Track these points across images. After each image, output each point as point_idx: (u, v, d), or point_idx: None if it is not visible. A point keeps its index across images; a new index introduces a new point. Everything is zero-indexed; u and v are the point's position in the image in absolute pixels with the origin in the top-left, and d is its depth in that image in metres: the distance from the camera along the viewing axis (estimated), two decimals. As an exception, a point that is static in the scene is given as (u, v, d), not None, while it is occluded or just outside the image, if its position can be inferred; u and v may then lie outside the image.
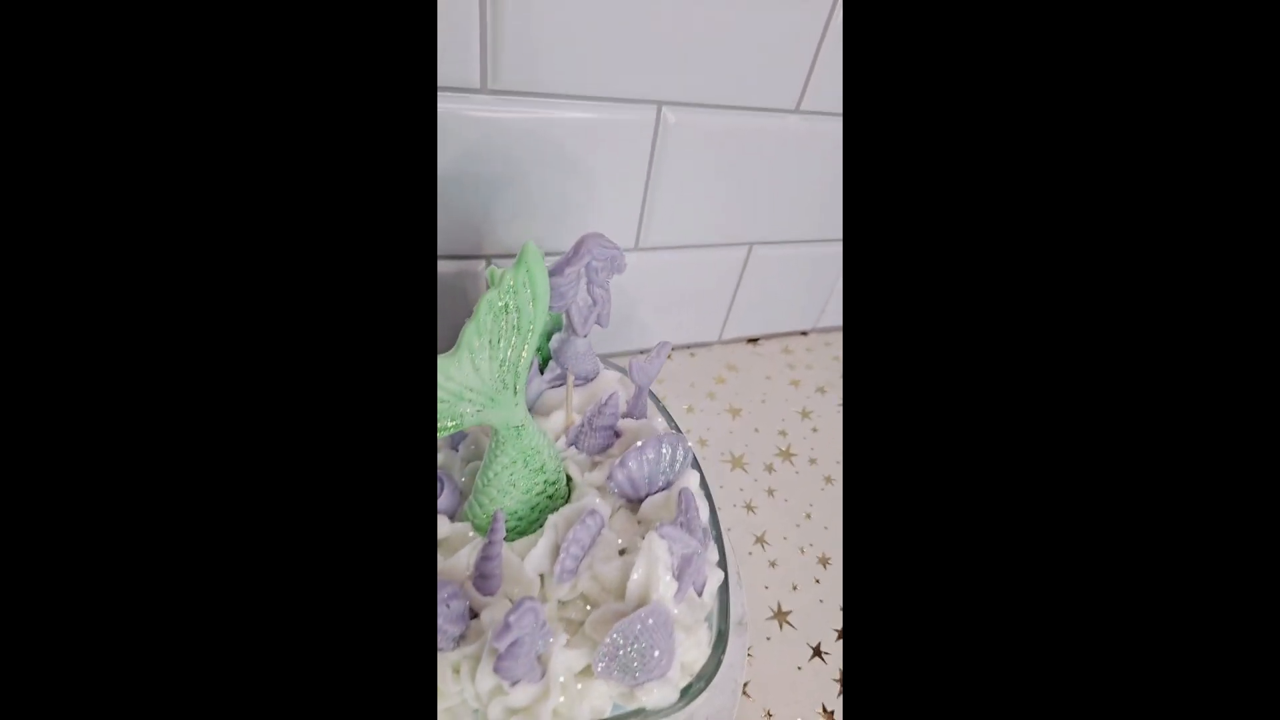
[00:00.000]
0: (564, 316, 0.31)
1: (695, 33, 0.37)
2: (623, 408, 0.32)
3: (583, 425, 0.29)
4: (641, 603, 0.23)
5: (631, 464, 0.27)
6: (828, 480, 0.47)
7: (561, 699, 0.22)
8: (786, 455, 0.48)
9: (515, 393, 0.24)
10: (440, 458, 0.30)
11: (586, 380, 0.32)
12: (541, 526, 0.26)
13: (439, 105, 0.34)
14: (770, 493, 0.45)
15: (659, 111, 0.40)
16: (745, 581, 0.39)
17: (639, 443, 0.27)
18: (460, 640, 0.22)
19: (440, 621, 0.21)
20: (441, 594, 0.21)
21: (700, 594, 0.26)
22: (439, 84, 0.33)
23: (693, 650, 0.24)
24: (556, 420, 0.30)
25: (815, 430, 0.51)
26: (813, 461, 0.48)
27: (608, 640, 0.21)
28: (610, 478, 0.27)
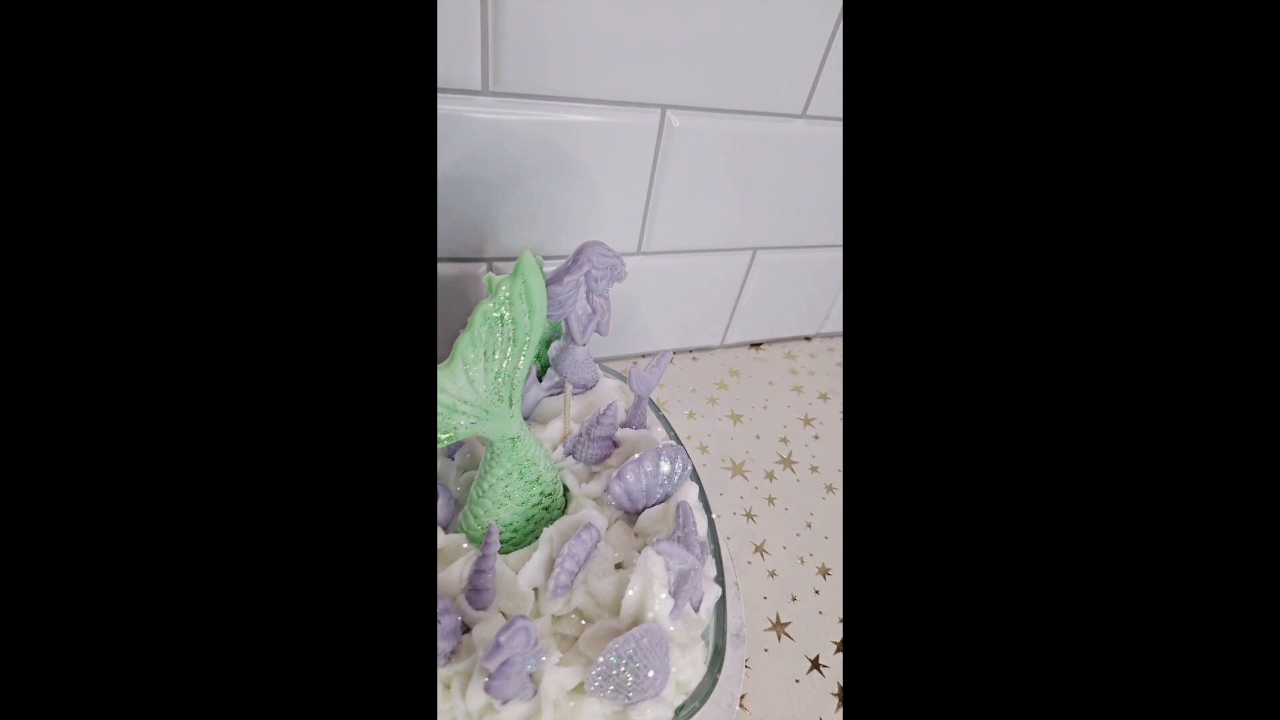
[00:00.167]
0: (563, 324, 0.30)
1: (700, 35, 0.36)
2: (621, 417, 0.32)
3: (580, 435, 0.29)
4: (636, 620, 0.23)
5: (629, 477, 0.26)
6: (829, 489, 0.46)
7: (554, 718, 0.21)
8: (788, 463, 0.48)
9: (511, 404, 0.23)
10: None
11: (585, 388, 0.32)
12: (537, 539, 0.25)
13: (439, 107, 0.33)
14: (770, 501, 0.45)
15: (663, 115, 0.39)
16: (744, 592, 0.39)
17: (637, 455, 0.27)
18: (451, 656, 0.22)
19: (431, 637, 0.21)
20: (433, 609, 0.21)
21: (697, 610, 0.26)
22: (439, 85, 0.33)
23: (688, 669, 0.24)
24: (554, 429, 0.30)
25: (817, 438, 0.51)
26: (814, 469, 0.48)
27: (601, 660, 0.21)
28: (607, 490, 0.27)
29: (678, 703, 0.23)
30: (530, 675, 0.21)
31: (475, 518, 0.25)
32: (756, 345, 0.59)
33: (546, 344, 0.32)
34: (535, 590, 0.25)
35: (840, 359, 0.60)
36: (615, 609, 0.24)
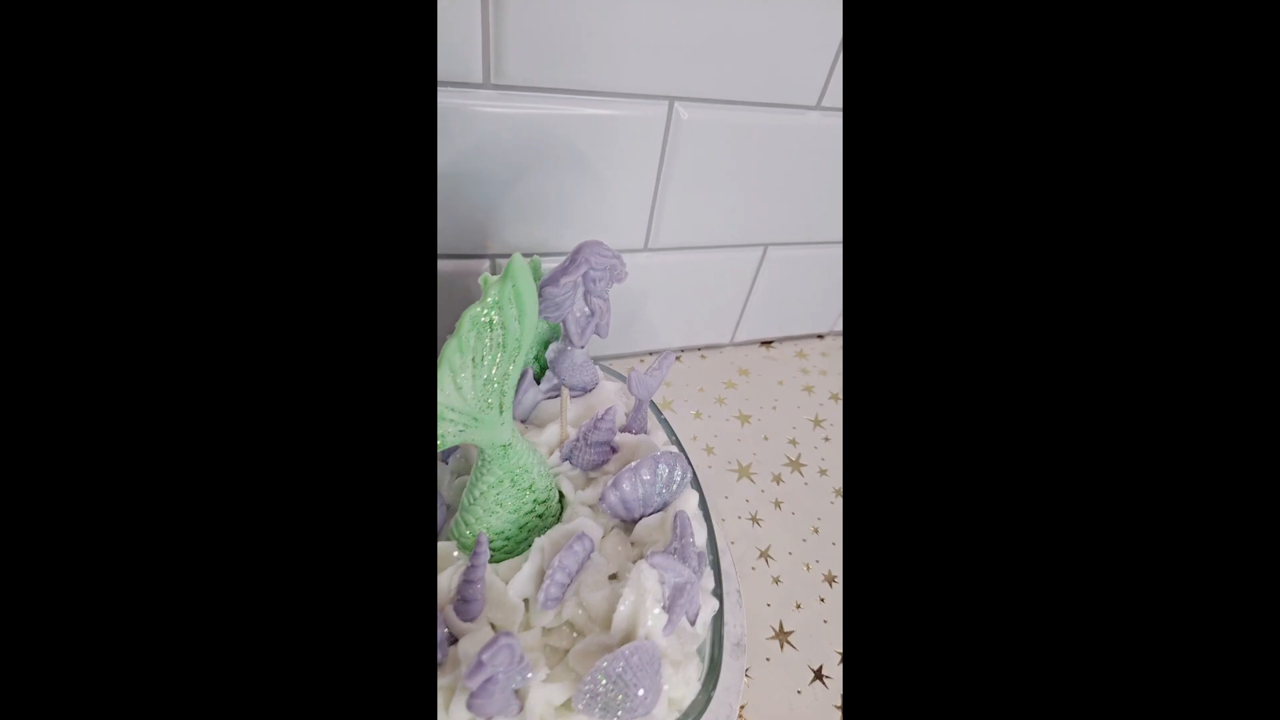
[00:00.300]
0: (561, 326, 0.29)
1: (709, 24, 0.35)
2: (621, 421, 0.31)
3: (578, 440, 0.28)
4: (628, 636, 0.22)
5: (625, 485, 0.26)
6: (838, 493, 0.45)
7: (540, 734, 0.21)
8: (796, 465, 0.47)
9: (501, 411, 0.22)
10: (431, 468, 0.29)
11: (584, 391, 0.31)
12: (530, 547, 0.25)
13: (439, 100, 0.33)
14: (777, 505, 0.44)
15: (671, 107, 0.38)
16: (746, 598, 0.38)
17: (634, 463, 0.26)
18: (437, 669, 0.22)
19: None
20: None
21: (693, 623, 0.25)
22: (439, 78, 0.32)
23: (681, 686, 0.23)
24: (551, 433, 0.29)
25: (827, 439, 0.49)
26: (823, 472, 0.47)
27: (589, 679, 0.20)
28: (603, 499, 0.26)
29: (670, 720, 0.22)
30: (516, 692, 0.21)
31: (466, 525, 0.25)
32: (767, 343, 0.58)
33: (545, 345, 0.31)
34: (526, 601, 0.24)
35: (853, 358, 0.58)
36: (607, 623, 0.23)
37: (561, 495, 0.28)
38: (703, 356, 0.55)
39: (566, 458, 0.29)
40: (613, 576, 0.25)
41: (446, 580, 0.24)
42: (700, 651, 0.25)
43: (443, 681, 0.21)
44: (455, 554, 0.25)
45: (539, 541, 0.24)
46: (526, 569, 0.24)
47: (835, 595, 0.39)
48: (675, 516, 0.26)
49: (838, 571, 0.40)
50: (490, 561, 0.25)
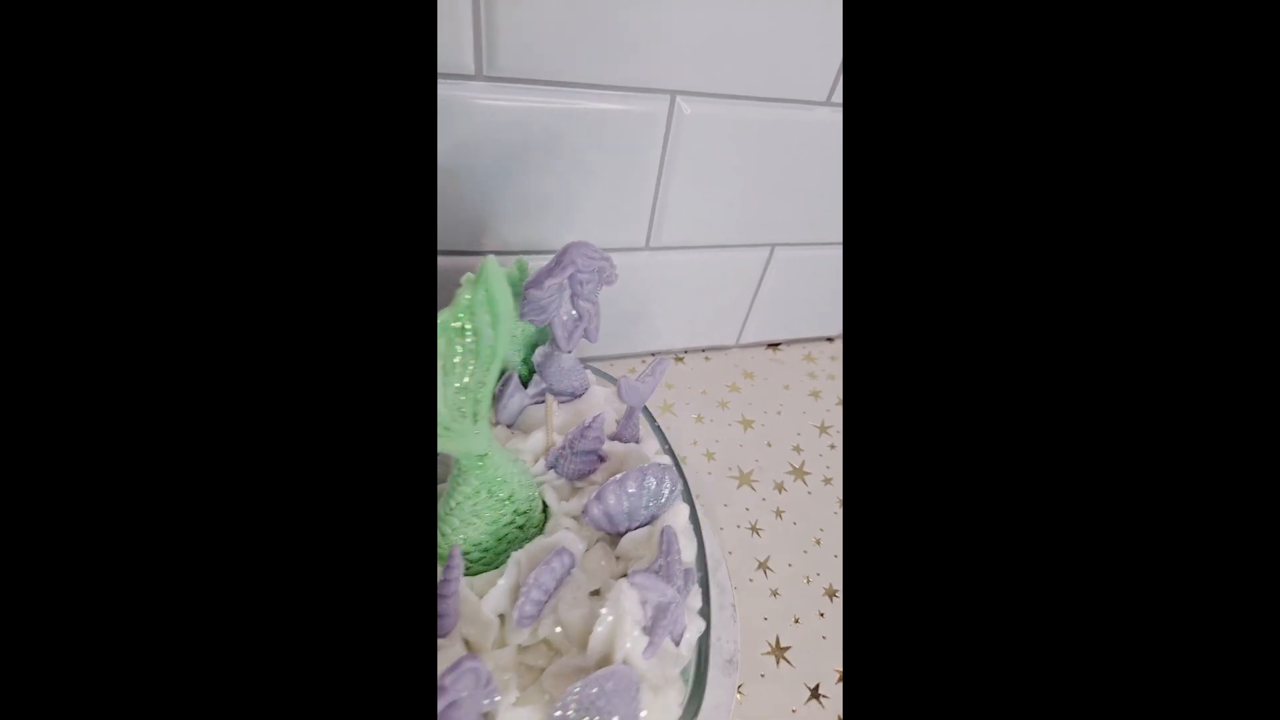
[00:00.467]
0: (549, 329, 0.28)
1: (713, 15, 0.33)
2: (611, 428, 0.30)
3: (563, 448, 0.27)
4: (604, 660, 0.21)
5: (610, 499, 0.25)
6: (843, 503, 0.44)
7: (509, 761, 0.20)
8: (799, 473, 0.45)
9: (476, 420, 0.21)
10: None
11: (573, 397, 0.30)
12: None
13: (431, 93, 0.32)
14: (779, 514, 0.42)
15: (673, 101, 0.36)
16: (743, 611, 0.37)
17: (619, 475, 0.25)
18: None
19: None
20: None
21: (678, 643, 0.24)
22: (430, 70, 0.31)
23: (660, 713, 0.22)
24: (536, 441, 0.28)
25: (833, 447, 0.48)
26: (827, 481, 0.45)
27: (559, 706, 0.19)
28: (585, 512, 0.25)
29: (648, 749, 0.21)
30: (483, 716, 0.20)
31: (442, 536, 0.24)
32: (775, 345, 0.56)
33: (532, 348, 0.30)
34: (501, 617, 0.23)
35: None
36: (585, 643, 0.22)
37: (546, 506, 0.27)
38: (706, 358, 0.53)
39: (552, 466, 0.28)
40: (595, 593, 0.24)
41: (419, 594, 0.23)
42: (684, 674, 0.24)
43: (408, 702, 0.20)
44: (431, 565, 0.24)
45: (516, 555, 0.23)
46: (502, 584, 0.23)
47: (836, 610, 0.38)
48: (662, 532, 0.25)
49: (839, 585, 0.39)
50: (466, 574, 0.24)
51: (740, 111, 0.38)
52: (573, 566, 0.23)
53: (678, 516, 0.27)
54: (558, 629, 0.22)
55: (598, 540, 0.26)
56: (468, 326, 0.19)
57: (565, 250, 0.25)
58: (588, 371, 0.31)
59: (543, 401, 0.30)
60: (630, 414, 0.29)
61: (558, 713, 0.19)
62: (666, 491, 0.26)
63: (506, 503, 0.24)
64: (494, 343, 0.20)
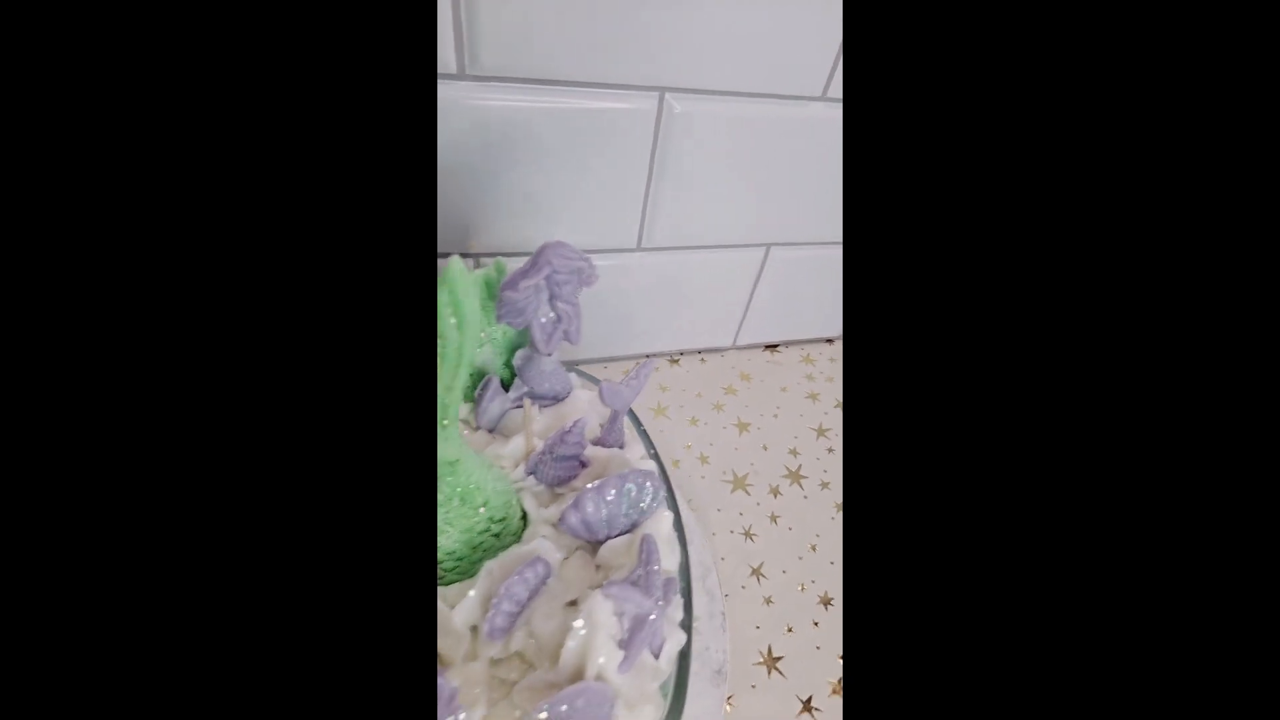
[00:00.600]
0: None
1: (702, 9, 0.33)
2: (595, 433, 0.29)
3: (543, 453, 0.26)
4: (576, 676, 0.20)
5: (588, 506, 0.24)
6: (839, 508, 0.43)
7: (477, 779, 0.19)
8: (795, 477, 0.44)
9: (445, 425, 0.21)
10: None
11: (555, 400, 0.29)
12: (483, 569, 0.23)
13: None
14: (774, 519, 0.41)
15: (661, 99, 0.36)
16: (735, 619, 0.36)
17: (597, 482, 0.24)
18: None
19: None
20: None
21: (657, 657, 0.23)
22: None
23: (635, 730, 0.21)
24: (516, 445, 0.27)
25: (831, 451, 0.47)
26: (824, 485, 0.44)
27: (525, 724, 0.19)
28: (562, 520, 0.24)
29: (622, 767, 0.21)
30: (449, 733, 0.19)
31: (415, 544, 0.23)
32: (772, 347, 0.55)
33: (512, 351, 0.29)
34: (474, 629, 0.22)
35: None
36: (558, 656, 0.21)
37: (525, 513, 0.26)
38: (702, 360, 0.53)
39: (531, 472, 0.27)
40: (573, 603, 0.23)
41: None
42: (664, 689, 0.23)
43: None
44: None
45: (488, 565, 0.23)
46: (473, 594, 0.22)
47: (830, 619, 0.37)
48: (642, 540, 0.24)
49: (835, 593, 0.38)
50: (438, 584, 0.23)
51: (732, 108, 0.37)
52: (548, 576, 0.23)
53: (660, 524, 0.26)
54: (531, 641, 0.22)
55: (577, 549, 0.25)
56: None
57: (541, 250, 0.24)
58: (572, 375, 0.31)
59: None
60: (614, 418, 0.29)
61: (524, 731, 0.19)
62: (648, 498, 0.25)
63: (480, 510, 0.23)
64: (460, 345, 0.19)
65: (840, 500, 0.43)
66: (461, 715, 0.19)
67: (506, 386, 0.29)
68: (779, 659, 0.35)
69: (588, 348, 0.48)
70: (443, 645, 0.22)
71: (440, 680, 0.17)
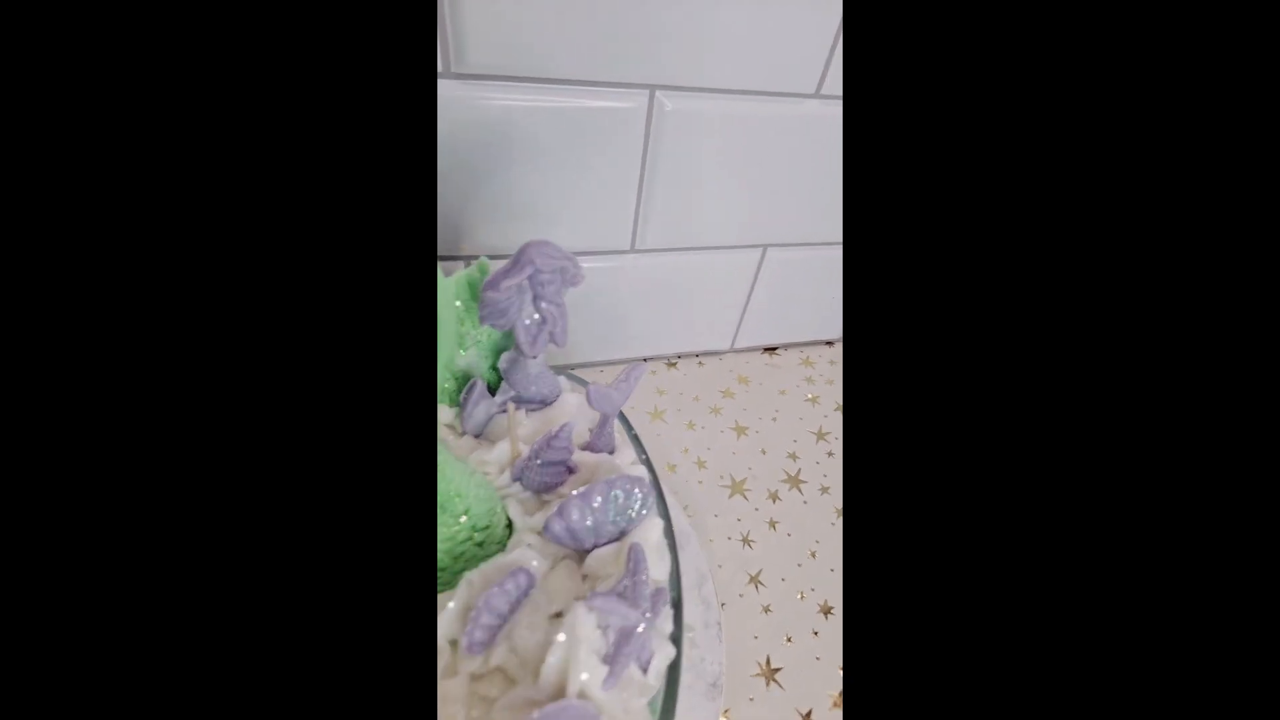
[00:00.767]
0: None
1: (691, 3, 0.32)
2: (584, 438, 0.28)
3: (528, 459, 0.26)
4: (558, 693, 0.19)
5: (573, 513, 0.23)
6: (840, 513, 0.42)
7: (453, 802, 0.18)
8: (795, 482, 0.43)
9: (421, 432, 0.20)
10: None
11: (543, 404, 0.29)
12: (465, 580, 0.22)
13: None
14: (772, 525, 0.40)
15: (652, 97, 0.35)
16: (732, 629, 0.35)
17: (582, 489, 0.23)
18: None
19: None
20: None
21: (646, 671, 0.22)
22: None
23: (621, 749, 0.20)
24: (501, 451, 0.27)
25: (831, 455, 0.46)
26: (824, 490, 0.43)
27: (502, 745, 0.18)
28: (546, 528, 0.23)
29: (607, 788, 0.20)
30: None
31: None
32: (771, 350, 0.55)
33: (497, 354, 0.29)
34: (454, 643, 0.21)
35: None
36: (541, 672, 0.20)
37: (510, 521, 0.26)
38: (700, 363, 0.52)
39: (517, 478, 0.26)
40: (558, 615, 0.23)
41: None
42: (653, 705, 0.22)
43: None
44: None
45: (469, 575, 0.22)
46: (453, 606, 0.21)
47: (831, 629, 0.36)
48: (630, 549, 0.23)
49: (835, 601, 0.37)
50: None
51: (725, 106, 0.37)
52: (531, 587, 0.22)
53: (650, 532, 0.25)
54: (513, 656, 0.21)
55: (563, 558, 0.24)
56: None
57: (523, 249, 0.23)
58: (561, 378, 0.30)
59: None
60: (603, 422, 0.28)
61: (501, 752, 0.18)
62: (636, 504, 0.24)
63: (461, 519, 0.23)
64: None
65: (841, 505, 0.42)
66: (436, 735, 0.18)
67: (493, 390, 0.29)
68: (777, 670, 0.34)
69: (582, 352, 0.47)
70: (421, 660, 0.21)
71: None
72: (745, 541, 0.39)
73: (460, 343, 0.27)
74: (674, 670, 0.22)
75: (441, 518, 0.22)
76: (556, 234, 0.39)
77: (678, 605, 0.24)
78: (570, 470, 0.26)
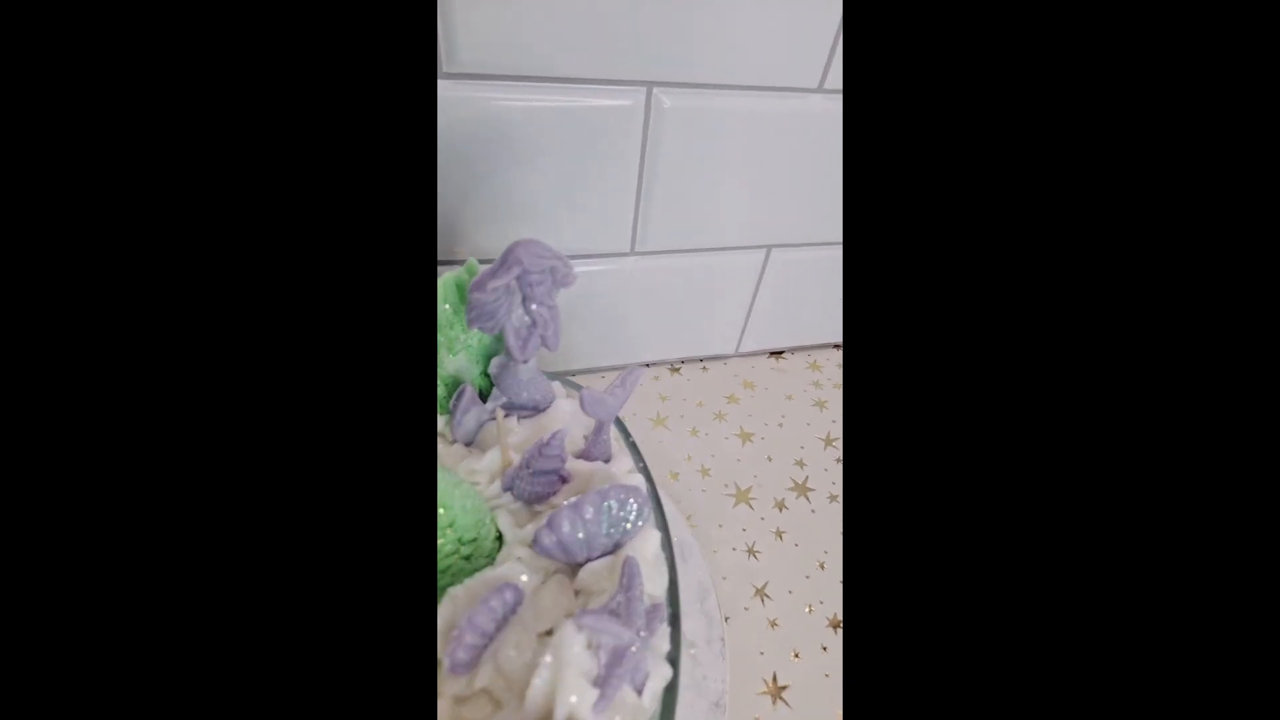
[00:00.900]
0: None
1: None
2: (578, 446, 0.27)
3: (519, 468, 0.25)
4: (544, 717, 0.18)
5: (564, 526, 0.22)
6: (843, 525, 0.40)
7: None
8: (802, 490, 0.42)
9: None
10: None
11: (536, 410, 0.27)
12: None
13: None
14: (779, 535, 0.39)
15: (649, 94, 0.34)
16: (736, 645, 0.33)
17: (574, 499, 0.22)
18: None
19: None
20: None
21: (640, 693, 0.21)
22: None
23: (613, 778, 0.19)
24: (492, 460, 0.26)
25: (839, 461, 0.44)
26: (833, 498, 0.42)
27: (483, 775, 0.16)
28: (536, 542, 0.22)
29: (598, 820, 0.18)
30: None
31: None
32: (777, 354, 0.53)
33: (487, 359, 0.28)
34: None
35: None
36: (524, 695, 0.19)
37: (500, 533, 0.24)
38: (704, 369, 0.51)
39: (508, 488, 0.25)
40: (548, 633, 0.21)
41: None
42: (648, 728, 0.21)
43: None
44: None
45: (453, 591, 0.21)
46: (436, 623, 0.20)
47: (840, 645, 0.34)
48: (624, 563, 0.22)
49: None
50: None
51: (724, 102, 0.36)
52: (518, 604, 0.21)
53: (646, 544, 0.24)
54: (498, 678, 0.20)
55: (555, 572, 0.23)
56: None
57: (511, 249, 0.22)
58: (554, 383, 0.29)
59: (505, 416, 0.27)
60: (599, 429, 0.27)
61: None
62: (631, 515, 0.23)
63: (446, 531, 0.22)
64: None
65: (850, 514, 0.41)
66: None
67: (484, 396, 0.28)
68: (784, 688, 0.32)
69: (583, 357, 0.46)
70: (402, 681, 0.20)
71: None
72: (751, 552, 0.38)
73: (449, 347, 0.26)
74: (670, 693, 0.21)
75: (425, 530, 0.21)
76: (553, 237, 0.39)
77: (675, 622, 0.23)
78: (563, 479, 0.25)
